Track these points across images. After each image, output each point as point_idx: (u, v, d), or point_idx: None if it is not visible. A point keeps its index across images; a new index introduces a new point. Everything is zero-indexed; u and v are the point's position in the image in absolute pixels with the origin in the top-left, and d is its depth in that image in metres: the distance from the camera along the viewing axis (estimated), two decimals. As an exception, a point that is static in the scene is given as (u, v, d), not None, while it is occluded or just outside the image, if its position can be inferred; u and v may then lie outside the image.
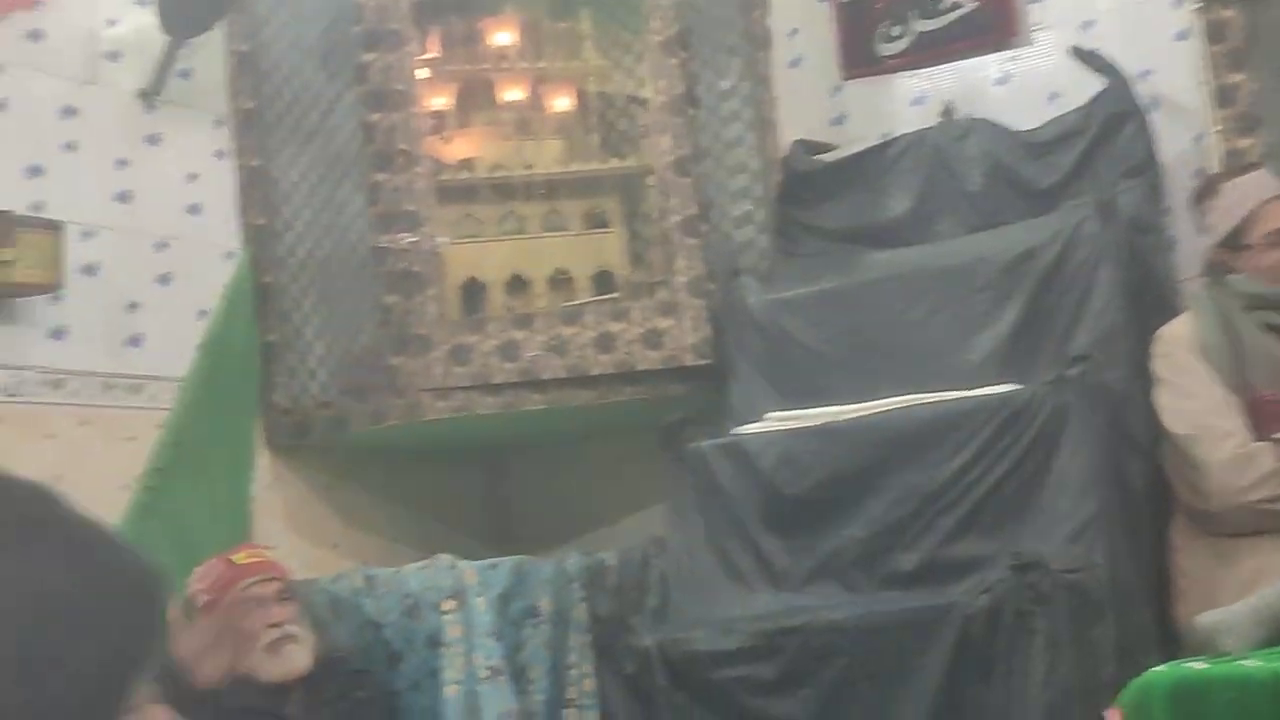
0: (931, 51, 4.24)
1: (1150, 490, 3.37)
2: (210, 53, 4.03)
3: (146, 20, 3.83)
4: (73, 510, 0.72)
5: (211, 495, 3.77)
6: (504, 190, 4.22)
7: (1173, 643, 3.10)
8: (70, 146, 3.70)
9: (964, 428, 3.37)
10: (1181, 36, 3.89)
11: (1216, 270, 3.44)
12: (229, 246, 4.04)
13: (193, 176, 3.99)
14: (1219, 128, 3.79)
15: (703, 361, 4.00)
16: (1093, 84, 3.96)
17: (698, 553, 3.65)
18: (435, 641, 3.47)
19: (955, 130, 4.10)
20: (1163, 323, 3.45)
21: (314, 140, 4.20)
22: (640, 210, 4.32)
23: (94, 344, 3.66)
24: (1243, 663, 2.27)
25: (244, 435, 3.93)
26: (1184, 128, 3.89)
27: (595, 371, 3.97)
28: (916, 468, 3.41)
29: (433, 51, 4.25)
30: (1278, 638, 2.52)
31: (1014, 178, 3.99)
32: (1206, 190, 3.51)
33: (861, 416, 3.55)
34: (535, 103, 4.33)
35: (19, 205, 3.49)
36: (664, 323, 4.01)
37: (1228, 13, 3.78)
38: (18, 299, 3.49)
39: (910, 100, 4.31)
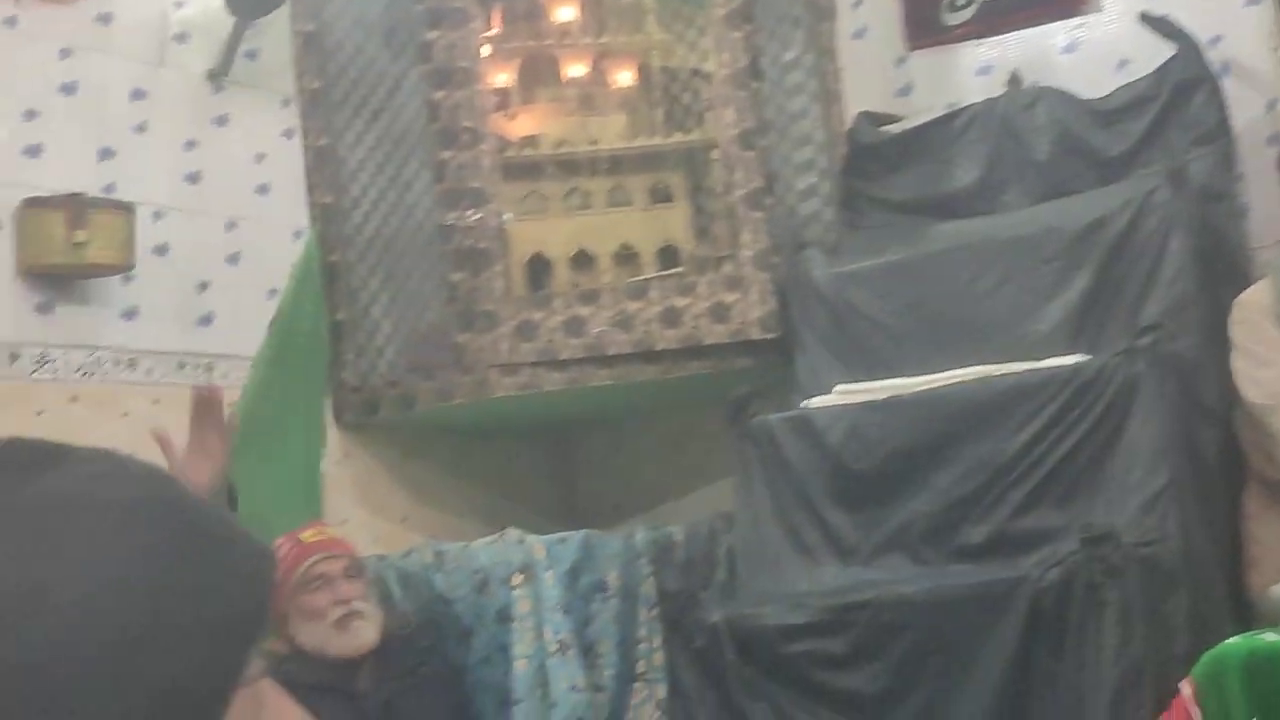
0: (997, 20, 4.20)
1: (1223, 459, 3.33)
2: (276, 33, 4.06)
3: (213, 2, 3.86)
4: (188, 493, 0.74)
5: (283, 472, 3.80)
6: (568, 166, 4.22)
7: (1247, 613, 3.08)
8: (140, 128, 3.74)
9: (1034, 399, 3.35)
10: (1252, 1, 3.83)
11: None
12: (297, 225, 4.07)
13: (260, 156, 4.02)
14: (1292, 93, 3.74)
15: (769, 335, 3.99)
16: (1162, 50, 3.90)
17: (765, 527, 3.64)
18: (505, 616, 3.49)
19: (1023, 99, 4.06)
20: (1235, 291, 3.41)
21: (379, 119, 4.23)
22: (705, 184, 4.31)
23: (166, 324, 3.71)
24: (1319, 634, 2.24)
25: (314, 413, 3.97)
26: (1256, 93, 3.83)
27: (661, 346, 3.97)
28: (986, 440, 3.39)
29: (496, 28, 4.26)
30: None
31: (1083, 146, 3.94)
32: None
33: (930, 389, 3.53)
34: (599, 78, 4.32)
35: (91, 187, 3.54)
36: (730, 297, 4.00)
37: (1301, -24, 3.72)
38: (91, 280, 3.54)
39: (976, 70, 4.27)
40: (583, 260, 4.14)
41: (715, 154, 4.17)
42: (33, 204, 3.42)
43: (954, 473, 3.41)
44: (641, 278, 4.08)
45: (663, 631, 3.57)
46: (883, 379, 3.66)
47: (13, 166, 3.45)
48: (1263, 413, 3.21)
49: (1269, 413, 3.20)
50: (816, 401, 3.70)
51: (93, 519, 0.70)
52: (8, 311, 3.40)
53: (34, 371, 3.42)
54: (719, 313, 3.99)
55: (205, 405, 2.56)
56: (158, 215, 3.71)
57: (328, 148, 4.15)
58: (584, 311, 3.95)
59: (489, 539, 3.66)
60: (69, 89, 3.60)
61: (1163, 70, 3.88)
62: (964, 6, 4.24)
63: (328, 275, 4.07)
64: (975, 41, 4.25)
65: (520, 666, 3.45)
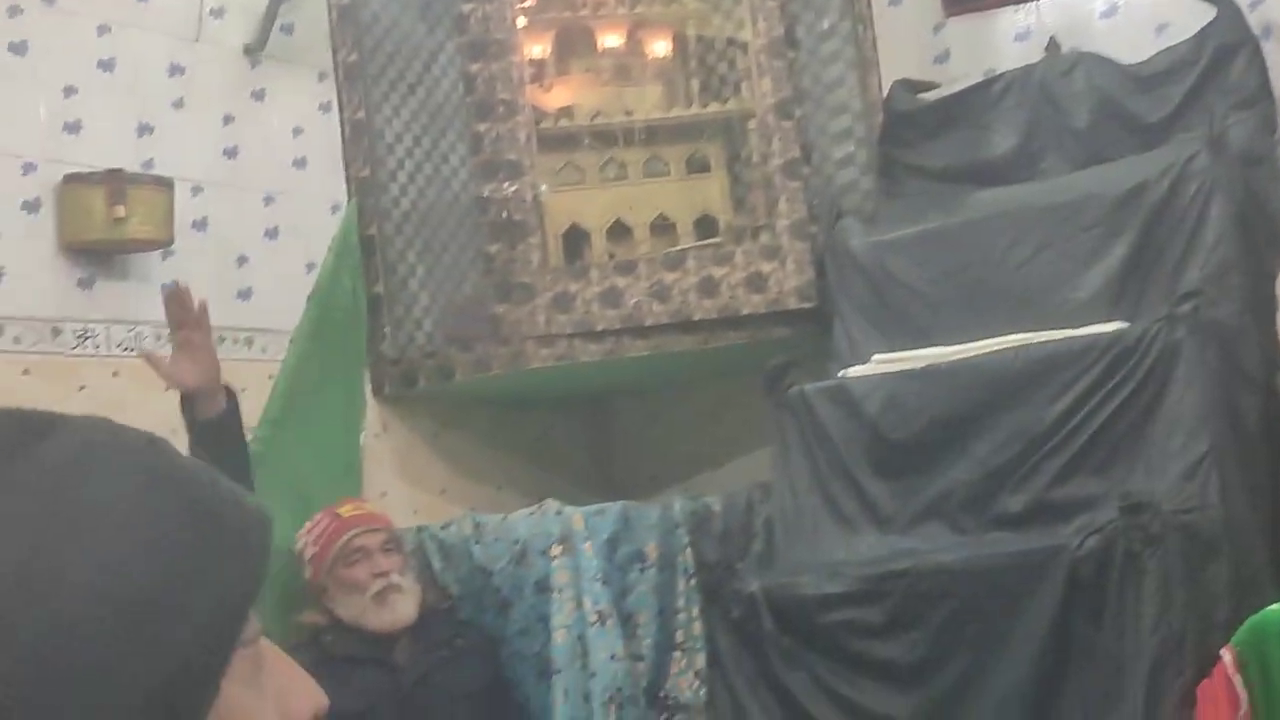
0: (1035, -15, 4.16)
1: (1264, 426, 3.31)
2: (312, 7, 4.07)
3: (248, -24, 3.87)
4: (182, 458, 0.74)
5: (323, 445, 3.82)
6: (604, 137, 4.21)
7: (1289, 582, 3.06)
8: (178, 104, 3.76)
9: (1073, 367, 3.33)
10: (1295, -38, 3.79)
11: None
12: (334, 199, 4.09)
13: (298, 130, 4.04)
14: (1335, 55, 3.69)
15: (806, 305, 3.99)
16: (1202, 14, 3.86)
17: (803, 497, 3.65)
18: (543, 587, 3.51)
19: (1061, 65, 4.03)
20: (1276, 256, 3.38)
21: (415, 91, 4.24)
22: (741, 154, 4.29)
23: (206, 297, 3.72)
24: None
25: (353, 385, 3.99)
26: (1298, 56, 3.79)
27: (698, 317, 3.96)
28: (1024, 408, 3.38)
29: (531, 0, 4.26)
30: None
31: (1122, 112, 3.91)
32: None
33: (968, 357, 3.52)
34: (634, 48, 4.31)
35: (130, 163, 3.56)
36: (767, 267, 3.99)
37: (1344, -64, 3.67)
38: (131, 255, 3.57)
39: (1014, 36, 4.24)
40: (619, 231, 4.14)
41: (752, 124, 4.15)
42: (73, 180, 3.44)
43: (992, 441, 3.40)
44: (678, 248, 4.07)
45: (701, 601, 3.58)
46: (920, 348, 3.65)
47: (53, 143, 3.48)
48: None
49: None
50: (854, 371, 3.69)
51: (91, 491, 0.70)
52: (50, 287, 3.43)
53: (76, 346, 3.45)
54: (756, 283, 3.98)
55: (177, 303, 2.55)
56: (196, 190, 3.73)
57: (364, 121, 4.16)
58: (621, 282, 3.95)
59: (527, 510, 3.67)
60: (107, 65, 3.62)
61: (1203, 34, 3.85)
62: (1001, -29, 4.21)
63: (365, 248, 4.09)
64: (1013, 7, 4.22)
65: (560, 637, 3.47)
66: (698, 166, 4.24)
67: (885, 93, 4.25)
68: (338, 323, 3.94)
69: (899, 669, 3.27)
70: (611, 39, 4.28)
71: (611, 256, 4.07)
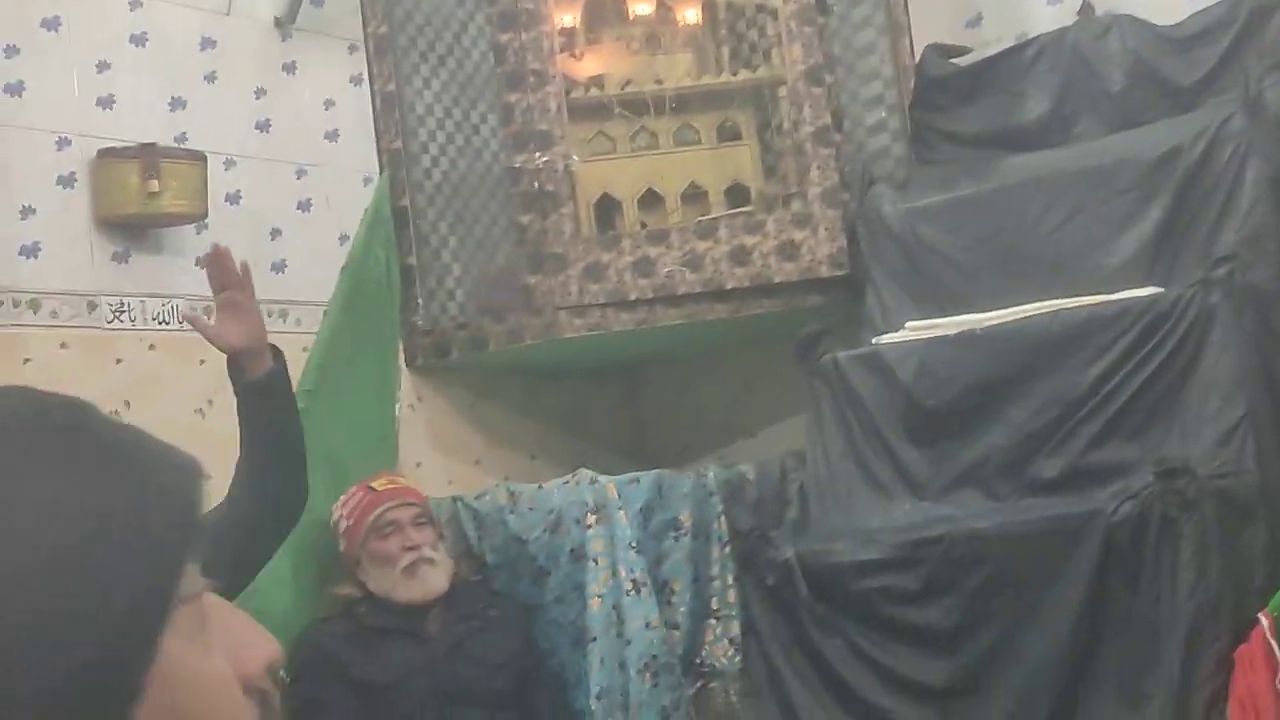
0: (1069, -53, 4.12)
1: (1301, 390, 3.29)
2: (341, -21, 4.07)
3: (278, -51, 3.88)
4: (107, 419, 0.74)
5: (357, 416, 3.84)
6: (635, 106, 4.20)
7: (1326, 546, 3.04)
8: (210, 78, 3.77)
9: (1108, 332, 3.32)
10: (1332, -80, 3.74)
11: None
12: (367, 171, 4.10)
13: (329, 103, 4.05)
14: (1373, 15, 3.65)
15: (839, 273, 3.98)
16: (1238, -26, 3.82)
17: (836, 464, 3.65)
18: (578, 555, 3.53)
19: (1095, 28, 3.99)
20: (1313, 220, 3.35)
21: (446, 63, 4.24)
22: (772, 122, 4.28)
23: (246, 260, 3.74)
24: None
25: (387, 357, 4.00)
26: (1335, 16, 3.75)
27: (730, 285, 3.96)
28: (1059, 374, 3.37)
29: (560, -32, 4.24)
30: None
31: (1156, 75, 3.87)
32: None
33: (1002, 324, 3.50)
34: (664, 16, 4.30)
35: (163, 137, 3.57)
36: (799, 235, 3.98)
37: (1382, -107, 3.63)
38: (165, 229, 3.59)
39: (1047, -1, 4.20)
40: (651, 200, 4.14)
41: (782, 91, 4.14)
42: (107, 155, 3.46)
43: (1027, 407, 3.39)
44: (710, 217, 4.07)
45: (735, 569, 3.60)
46: (954, 314, 3.64)
47: (86, 118, 3.50)
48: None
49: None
50: (887, 338, 3.69)
51: (9, 456, 0.70)
52: (85, 262, 3.45)
53: (112, 320, 3.47)
54: (788, 251, 3.98)
55: (218, 265, 2.56)
56: (229, 164, 3.75)
57: (395, 93, 4.17)
58: (653, 252, 3.95)
59: (561, 480, 3.69)
60: (139, 40, 3.64)
61: (1239, -6, 3.81)
62: (1033, -66, 4.17)
63: (398, 220, 4.10)
64: (1046, -30, 4.19)
65: (595, 605, 3.48)
66: (729, 135, 4.23)
67: (917, 58, 4.22)
68: (371, 295, 3.96)
69: (934, 635, 3.27)
70: (642, 7, 4.26)
71: (643, 226, 4.07)
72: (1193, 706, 2.92)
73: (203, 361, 3.60)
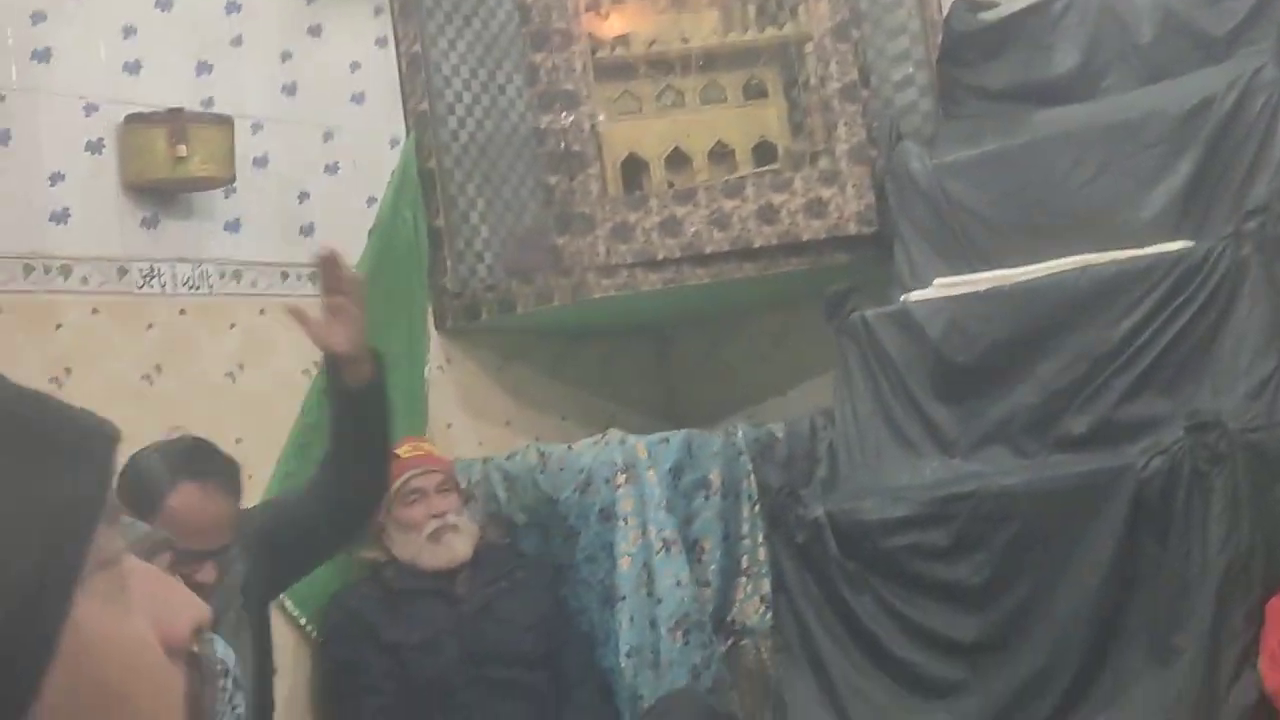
0: (1098, -103, 4.08)
1: (1333, 343, 3.27)
2: (365, -59, 4.06)
3: (302, -88, 3.87)
4: (8, 385, 0.73)
5: (388, 378, 3.85)
6: (661, 65, 4.19)
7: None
8: (236, 41, 3.77)
9: (1137, 287, 3.30)
10: None
11: None
12: (393, 134, 4.10)
13: (355, 65, 4.04)
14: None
15: (866, 230, 3.96)
16: (1269, -77, 3.78)
17: (865, 422, 3.65)
18: (608, 515, 3.54)
19: (1124, -21, 3.96)
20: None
21: (471, 23, 4.23)
22: (799, 79, 4.26)
23: (268, 235, 3.76)
24: None
25: (416, 319, 4.01)
26: (1369, -36, 3.70)
27: (758, 244, 3.95)
28: (1089, 329, 3.36)
29: (585, -73, 4.22)
30: None
31: (1187, 26, 3.83)
32: None
33: (1031, 279, 3.49)
34: (689, -26, 4.28)
35: (190, 102, 3.58)
36: (826, 192, 3.97)
37: None
38: (194, 194, 3.60)
39: (1076, -50, 4.16)
40: (678, 159, 4.13)
41: (809, 47, 4.11)
42: (134, 120, 3.47)
43: (1056, 363, 3.38)
44: (737, 175, 4.06)
45: (765, 527, 3.60)
46: (982, 271, 3.63)
47: (113, 83, 3.50)
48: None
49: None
50: (916, 295, 3.68)
51: None
52: (114, 227, 3.46)
53: (142, 286, 3.49)
54: (816, 208, 3.96)
55: (328, 267, 2.58)
56: (256, 128, 3.75)
57: (421, 54, 4.16)
58: (680, 211, 3.94)
59: (592, 440, 3.70)
60: (164, 4, 3.63)
61: (1270, -58, 3.77)
62: (1061, -115, 4.13)
63: (425, 182, 4.10)
64: (1075, -79, 4.14)
65: (625, 564, 3.50)
66: (755, 92, 4.21)
67: (944, 12, 4.19)
68: (399, 257, 3.97)
69: (964, 591, 3.28)
70: (667, -35, 4.25)
71: (670, 185, 4.06)
72: (1223, 660, 2.92)
73: (233, 326, 3.64)
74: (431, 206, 4.11)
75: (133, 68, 3.55)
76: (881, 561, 3.37)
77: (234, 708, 2.45)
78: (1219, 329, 3.20)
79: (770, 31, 4.23)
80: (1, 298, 3.21)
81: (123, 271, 3.46)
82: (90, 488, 0.71)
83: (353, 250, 3.86)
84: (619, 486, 3.55)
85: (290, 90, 3.88)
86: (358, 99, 4.04)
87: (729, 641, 3.62)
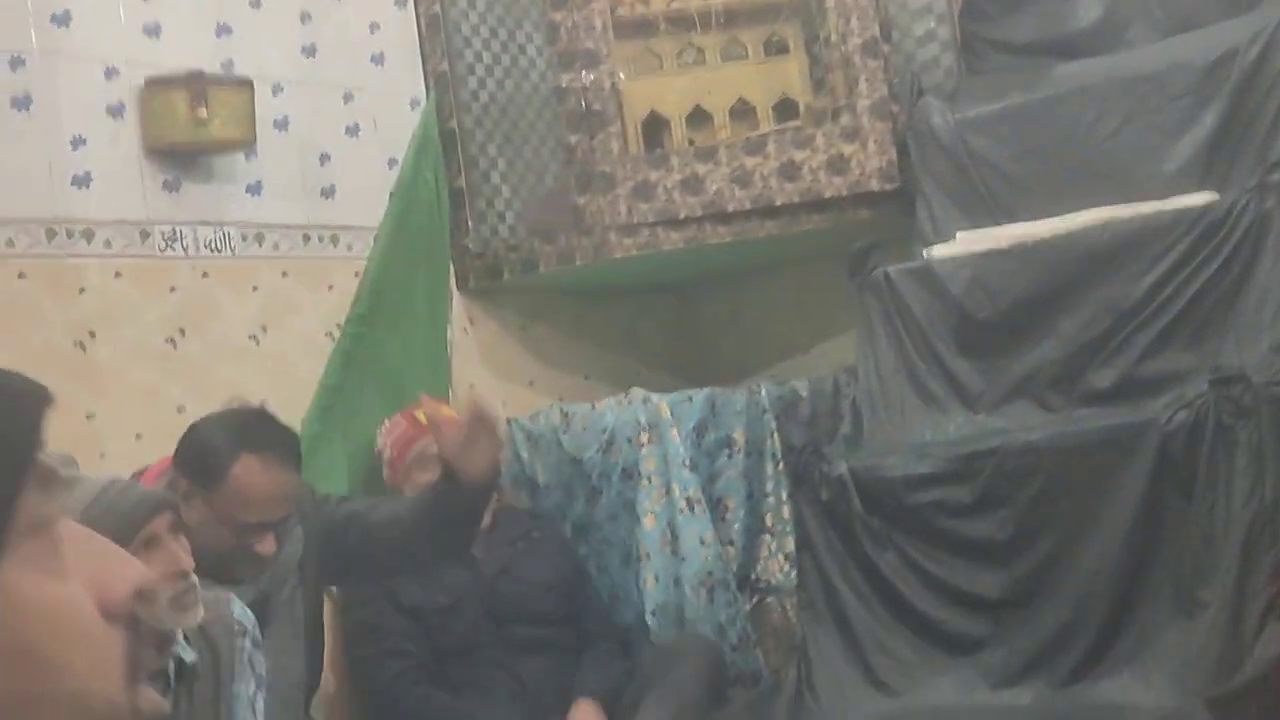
0: None
1: (1359, 296, 3.24)
2: (383, -100, 4.05)
3: (319, -128, 3.85)
4: None
5: (411, 339, 3.86)
6: (681, 22, 4.17)
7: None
8: (255, 3, 3.76)
9: (1161, 240, 3.29)
10: None
11: None
12: (413, 94, 4.09)
13: (375, 26, 4.03)
14: None
15: (889, 186, 3.95)
16: None
17: (889, 379, 3.64)
18: (630, 474, 3.55)
19: (1147, -69, 3.92)
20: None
21: (490, -18, 4.21)
22: (820, 34, 4.23)
23: (289, 197, 3.76)
24: None
25: (439, 280, 4.01)
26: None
27: (780, 201, 3.94)
28: (1112, 283, 3.34)
29: (603, -116, 4.19)
30: None
31: (1211, -24, 3.80)
32: None
33: (1054, 234, 3.47)
34: (709, -70, 4.25)
35: (210, 64, 3.58)
36: (848, 148, 3.95)
37: None
38: (215, 156, 3.60)
39: (1099, -98, 4.12)
40: (699, 117, 4.11)
41: (830, 3, 4.08)
42: (155, 83, 3.47)
43: (1080, 317, 3.37)
44: (758, 133, 4.04)
45: (789, 485, 3.61)
46: (1005, 226, 3.61)
47: (133, 47, 3.50)
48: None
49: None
50: (938, 250, 3.66)
51: None
52: (136, 190, 3.47)
53: (164, 249, 3.49)
54: (838, 165, 3.95)
55: (479, 418, 2.68)
56: (276, 90, 3.75)
57: (440, 14, 4.15)
58: (701, 169, 3.93)
59: (614, 399, 3.70)
60: (183, -33, 3.63)
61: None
62: None
63: (446, 142, 4.09)
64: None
65: (649, 522, 3.51)
66: (776, 48, 4.19)
67: (966, -34, 4.16)
68: (421, 218, 3.96)
69: (989, 546, 3.28)
70: (686, -79, 4.22)
71: (691, 143, 4.05)
72: (1248, 613, 2.91)
73: (255, 288, 3.65)
74: (452, 167, 4.10)
75: (152, 30, 3.55)
76: (905, 518, 3.36)
77: (253, 667, 2.47)
78: (1243, 282, 3.18)
79: (790, -13, 4.20)
80: (24, 262, 3.23)
81: (145, 235, 3.46)
82: (10, 453, 0.70)
83: (375, 212, 3.87)
84: (642, 446, 3.56)
85: (310, 52, 3.87)
86: (377, 60, 4.03)
87: (754, 599, 3.63)
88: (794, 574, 3.56)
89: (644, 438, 3.56)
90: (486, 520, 3.45)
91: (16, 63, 3.26)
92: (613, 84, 3.93)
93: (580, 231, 3.92)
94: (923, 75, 4.12)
